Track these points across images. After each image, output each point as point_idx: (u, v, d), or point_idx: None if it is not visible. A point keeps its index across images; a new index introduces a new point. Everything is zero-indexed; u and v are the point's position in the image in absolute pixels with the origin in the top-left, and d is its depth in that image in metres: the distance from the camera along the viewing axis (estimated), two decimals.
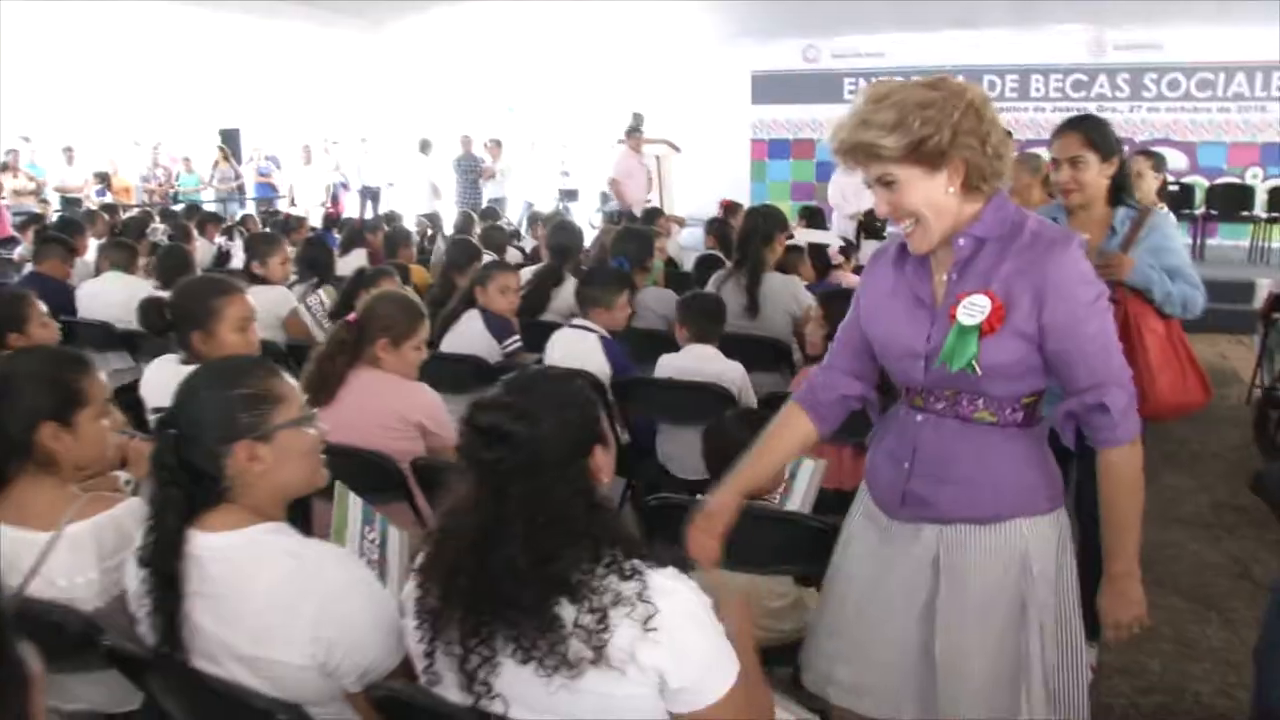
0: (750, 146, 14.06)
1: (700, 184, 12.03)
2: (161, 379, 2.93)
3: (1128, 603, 1.82)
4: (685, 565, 1.55)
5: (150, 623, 1.62)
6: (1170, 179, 10.63)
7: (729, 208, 7.95)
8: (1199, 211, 10.75)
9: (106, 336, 4.81)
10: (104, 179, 13.83)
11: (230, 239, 7.17)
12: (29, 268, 6.31)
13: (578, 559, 1.43)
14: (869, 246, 6.84)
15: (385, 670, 1.64)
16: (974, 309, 1.71)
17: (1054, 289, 1.69)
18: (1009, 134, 1.85)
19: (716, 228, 6.92)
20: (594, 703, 1.42)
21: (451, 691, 1.49)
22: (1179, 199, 10.30)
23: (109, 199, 12.71)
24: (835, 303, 4.20)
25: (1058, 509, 1.87)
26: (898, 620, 1.88)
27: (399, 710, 1.57)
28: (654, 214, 7.63)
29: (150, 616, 1.62)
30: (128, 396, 4.43)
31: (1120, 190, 2.91)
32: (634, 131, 10.55)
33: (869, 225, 7.13)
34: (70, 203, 12.82)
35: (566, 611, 1.41)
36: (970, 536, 1.82)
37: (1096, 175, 2.85)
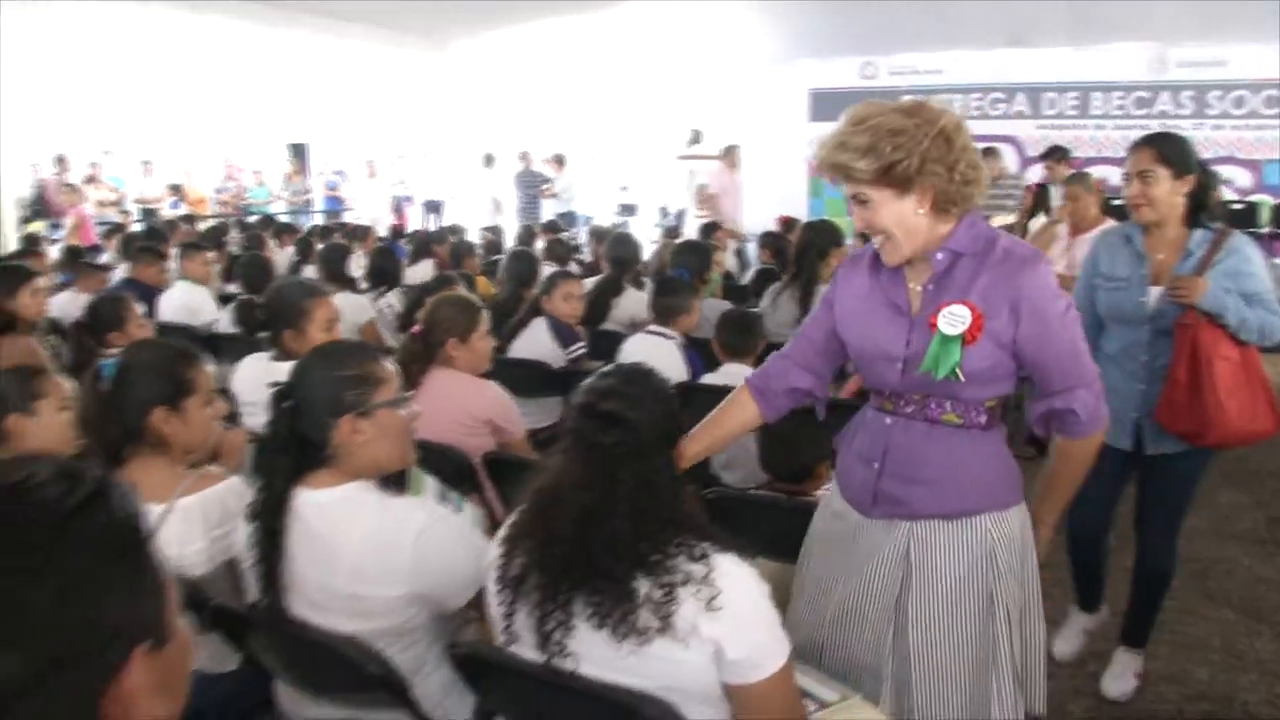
0: (808, 163, 14.12)
1: (758, 200, 12.12)
2: (252, 375, 3.15)
3: (1041, 545, 2.06)
4: (743, 552, 1.69)
5: (256, 571, 1.84)
6: (1235, 197, 10.58)
7: (786, 223, 8.06)
8: (1264, 230, 10.61)
9: (189, 339, 5.06)
10: (178, 190, 14.33)
11: (306, 250, 7.45)
12: (117, 274, 6.64)
13: (665, 539, 1.57)
14: None
15: (468, 598, 1.86)
16: (955, 319, 1.83)
17: (1028, 303, 1.83)
18: (988, 151, 1.98)
19: (771, 242, 7.03)
20: (658, 667, 1.56)
21: (527, 650, 1.63)
22: (1243, 217, 10.18)
23: (183, 210, 13.18)
24: None
25: (1019, 504, 2.00)
26: (870, 620, 1.98)
27: (479, 666, 1.72)
28: (711, 228, 7.75)
29: (256, 566, 1.84)
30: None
31: (1199, 211, 2.78)
32: (730, 150, 10.74)
33: None
34: (148, 213, 13.33)
35: (641, 585, 1.55)
36: (939, 532, 1.94)
37: (1168, 192, 2.74)
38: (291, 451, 1.86)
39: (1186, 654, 3.34)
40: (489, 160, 13.99)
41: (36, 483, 0.75)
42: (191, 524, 2.02)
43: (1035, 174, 9.15)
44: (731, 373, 3.79)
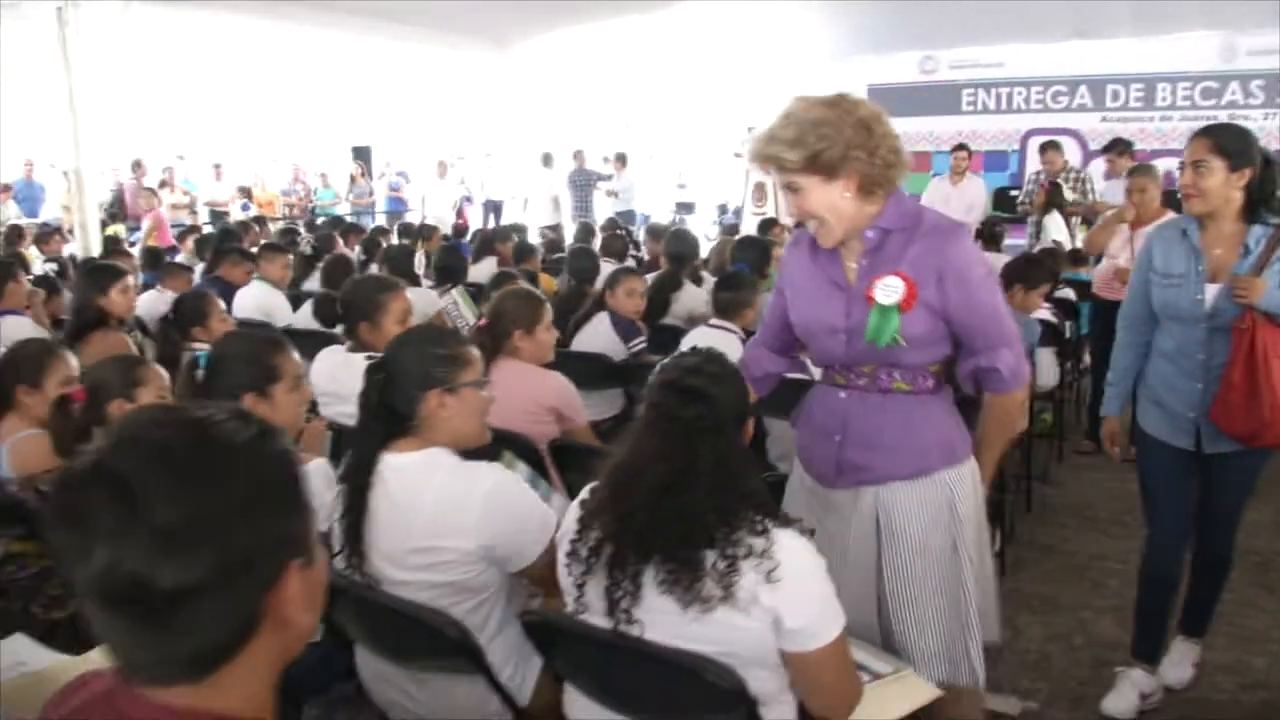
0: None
1: None
2: (328, 366, 3.31)
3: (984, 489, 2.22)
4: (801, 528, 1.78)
5: (340, 527, 1.98)
6: None
7: None
8: None
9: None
10: (247, 193, 14.74)
11: (372, 249, 7.66)
12: (196, 273, 6.91)
13: (735, 513, 1.67)
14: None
15: (536, 556, 1.99)
16: (890, 289, 2.00)
17: (953, 270, 2.01)
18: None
19: None
20: (720, 633, 1.65)
21: (596, 617, 1.74)
22: None
23: (254, 212, 13.56)
24: None
25: (969, 456, 2.19)
26: (853, 586, 2.08)
27: (549, 633, 1.84)
28: (769, 224, 7.81)
29: (340, 521, 1.99)
30: None
31: (1260, 205, 2.67)
32: None
33: (989, 234, 7.02)
34: (218, 216, 13.74)
35: (707, 556, 1.65)
36: (903, 492, 2.11)
37: (1222, 184, 2.63)
38: (381, 419, 2.01)
39: (1245, 645, 3.35)
40: (548, 160, 14.17)
41: (217, 419, 0.90)
42: None
43: (1097, 168, 9.04)
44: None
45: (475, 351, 2.13)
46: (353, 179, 15.78)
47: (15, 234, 8.90)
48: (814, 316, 2.16)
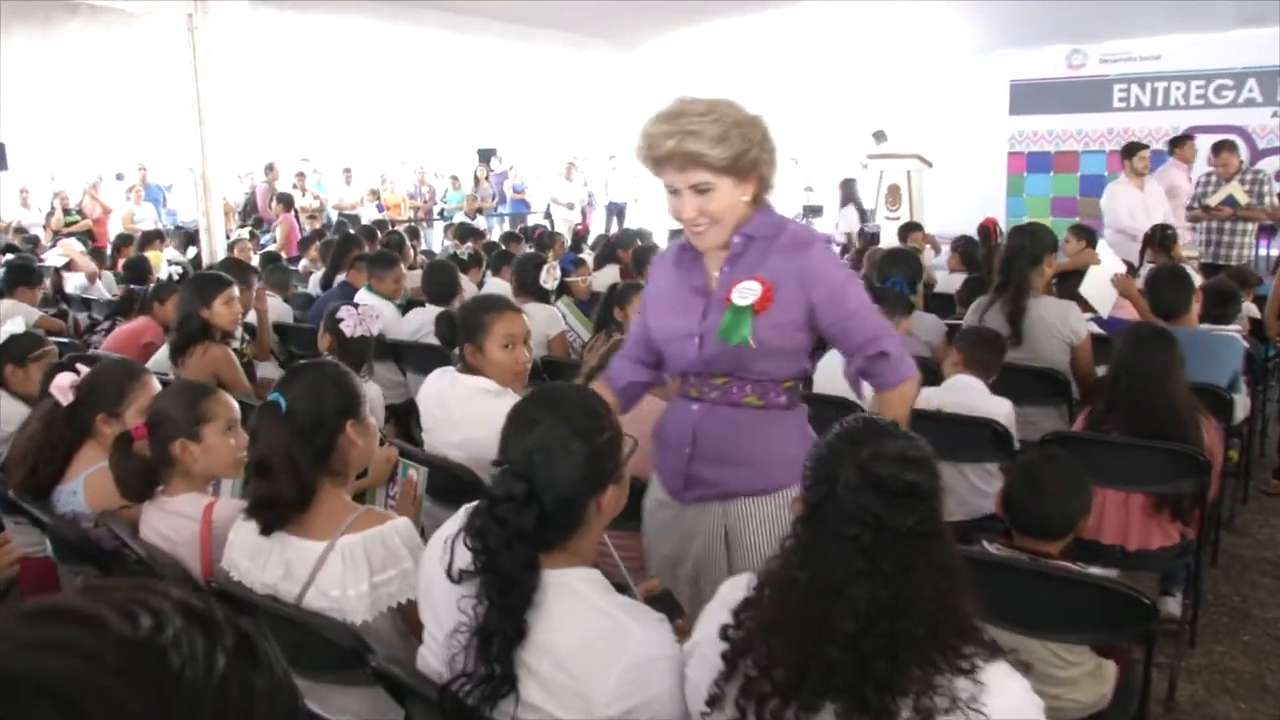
0: (1007, 160, 13.31)
1: (951, 200, 11.48)
2: (435, 390, 3.05)
3: None
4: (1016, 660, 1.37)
5: (473, 645, 1.52)
6: None
7: (990, 226, 7.47)
8: None
9: (378, 347, 5.07)
10: (378, 195, 14.84)
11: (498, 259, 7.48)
12: (314, 279, 6.83)
13: (946, 645, 1.29)
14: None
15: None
16: (746, 292, 1.97)
17: (814, 274, 1.99)
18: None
19: (962, 246, 6.48)
20: None
21: None
22: None
23: (385, 215, 13.67)
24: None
25: None
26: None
27: None
28: (909, 229, 7.28)
29: (479, 644, 1.51)
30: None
31: None
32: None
33: (1162, 239, 6.30)
34: (347, 219, 13.86)
35: (901, 707, 1.27)
36: (752, 507, 2.06)
37: None
38: (531, 541, 1.52)
39: None
40: None
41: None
42: (353, 566, 1.86)
43: (1272, 166, 8.21)
44: (964, 385, 3.50)
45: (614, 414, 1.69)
46: (477, 181, 15.77)
47: (153, 237, 9.03)
48: (672, 324, 2.12)
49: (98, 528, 2.43)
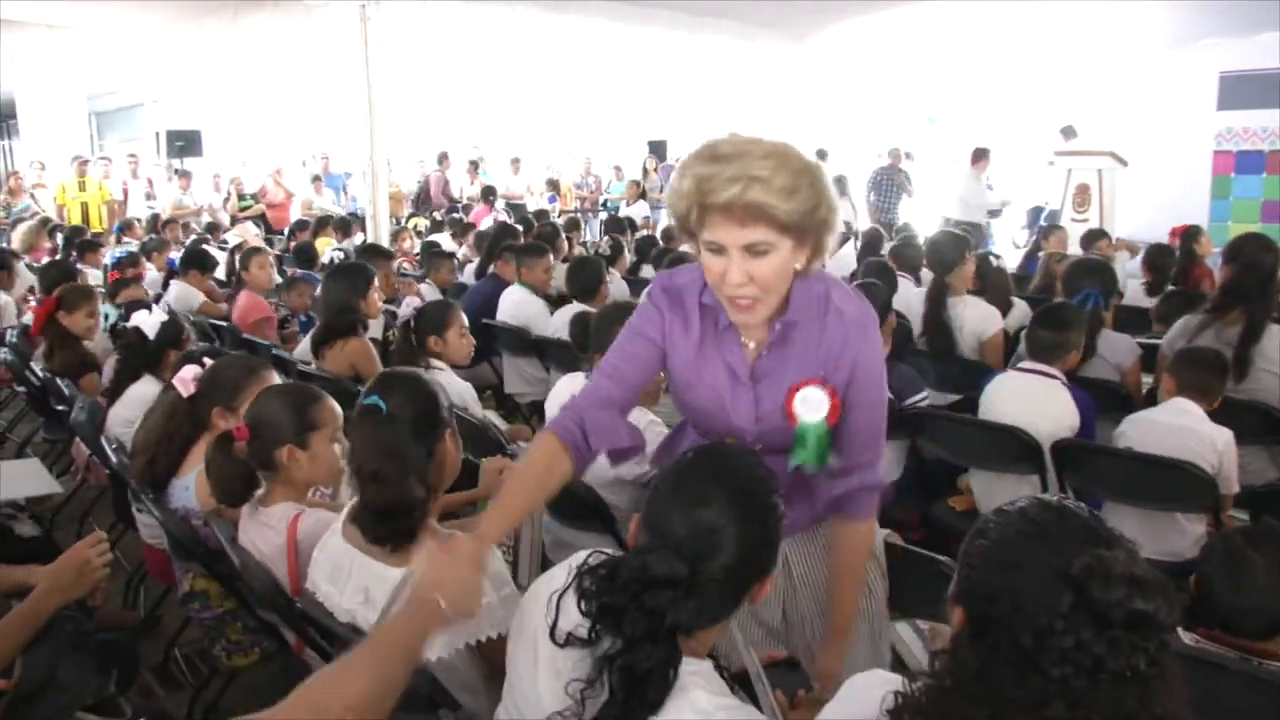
0: (1212, 159, 12.21)
1: (1145, 202, 10.60)
2: (565, 395, 2.88)
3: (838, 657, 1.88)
4: None
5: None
6: None
7: (1186, 233, 6.74)
8: None
9: (520, 342, 4.97)
10: (555, 186, 14.90)
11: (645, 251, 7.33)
12: (469, 269, 6.83)
13: None
14: None
15: None
16: (813, 404, 1.69)
17: (863, 368, 1.72)
18: None
19: (1153, 256, 5.82)
20: None
21: None
22: None
23: (558, 205, 13.75)
24: None
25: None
26: (758, 639, 1.89)
27: None
28: (1096, 236, 6.66)
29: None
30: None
31: None
32: None
33: None
34: (515, 209, 14.00)
35: None
36: (809, 539, 1.94)
37: None
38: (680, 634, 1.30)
39: None
40: (821, 155, 13.32)
41: None
42: None
43: None
44: (1181, 408, 3.08)
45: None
46: (645, 171, 15.68)
47: (325, 223, 9.29)
48: (717, 411, 1.79)
49: (206, 526, 2.36)
